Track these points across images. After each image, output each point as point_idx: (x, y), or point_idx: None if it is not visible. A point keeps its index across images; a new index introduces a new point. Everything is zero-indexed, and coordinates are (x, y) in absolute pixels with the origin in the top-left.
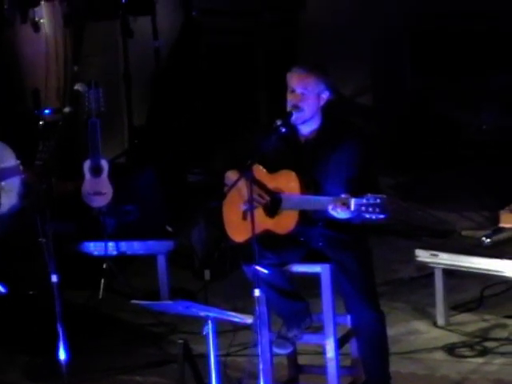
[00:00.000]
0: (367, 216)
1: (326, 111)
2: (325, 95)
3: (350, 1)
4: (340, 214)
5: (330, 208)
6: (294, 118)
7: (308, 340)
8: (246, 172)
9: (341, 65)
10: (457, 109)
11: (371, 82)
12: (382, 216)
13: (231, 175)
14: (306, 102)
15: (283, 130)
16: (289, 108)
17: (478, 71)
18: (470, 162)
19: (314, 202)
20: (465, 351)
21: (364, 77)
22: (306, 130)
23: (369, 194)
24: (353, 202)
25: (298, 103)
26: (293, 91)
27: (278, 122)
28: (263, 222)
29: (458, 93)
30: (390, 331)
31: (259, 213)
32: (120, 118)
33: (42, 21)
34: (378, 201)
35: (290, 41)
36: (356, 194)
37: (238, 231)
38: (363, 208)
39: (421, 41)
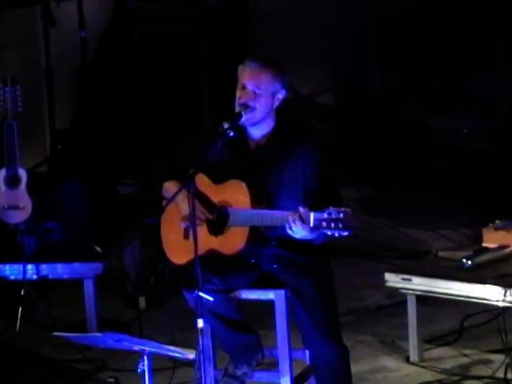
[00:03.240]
0: (329, 233)
1: (281, 112)
2: (280, 95)
3: None
4: (298, 232)
5: (286, 227)
6: (243, 119)
7: (260, 378)
8: (187, 183)
9: (297, 59)
10: (430, 112)
11: (332, 79)
12: (345, 233)
13: (171, 187)
14: (258, 100)
15: (231, 134)
16: (237, 107)
17: (455, 70)
18: (445, 173)
19: (267, 217)
20: None
21: (324, 73)
22: (257, 133)
23: (330, 208)
24: (312, 217)
25: (248, 102)
26: (243, 87)
27: (226, 125)
28: (207, 240)
29: (432, 94)
30: (355, 368)
31: (203, 230)
32: (41, 119)
33: None
34: (341, 215)
35: (239, 30)
36: (315, 207)
37: (179, 252)
38: (324, 223)
39: (390, 37)
